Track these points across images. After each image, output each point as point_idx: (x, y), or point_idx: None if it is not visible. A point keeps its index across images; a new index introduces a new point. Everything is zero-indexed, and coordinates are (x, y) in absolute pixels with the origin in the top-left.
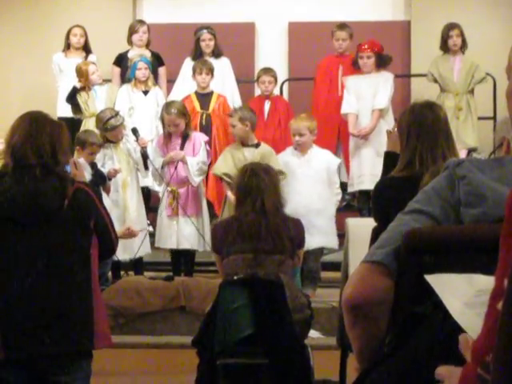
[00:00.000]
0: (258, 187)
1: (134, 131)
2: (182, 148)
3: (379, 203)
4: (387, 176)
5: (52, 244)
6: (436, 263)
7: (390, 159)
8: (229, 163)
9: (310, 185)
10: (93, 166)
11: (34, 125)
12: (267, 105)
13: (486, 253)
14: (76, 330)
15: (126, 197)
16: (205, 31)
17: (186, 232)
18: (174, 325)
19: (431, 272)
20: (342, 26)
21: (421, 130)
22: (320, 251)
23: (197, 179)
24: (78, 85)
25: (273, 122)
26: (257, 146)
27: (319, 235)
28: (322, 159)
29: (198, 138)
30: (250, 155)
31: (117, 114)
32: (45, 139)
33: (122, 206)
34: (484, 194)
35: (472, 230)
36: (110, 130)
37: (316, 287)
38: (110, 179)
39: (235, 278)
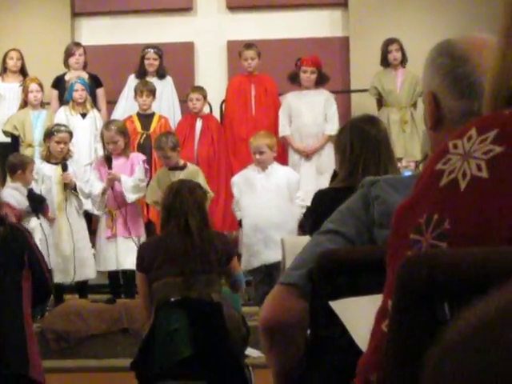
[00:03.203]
0: (182, 207)
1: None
2: (111, 168)
3: (316, 214)
4: (327, 187)
5: None
6: (349, 284)
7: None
8: (155, 190)
9: (270, 199)
10: (29, 191)
11: None
12: (199, 123)
13: None
14: (10, 354)
15: (62, 220)
16: (151, 50)
17: (125, 253)
18: (117, 347)
19: (344, 293)
20: (249, 45)
21: (363, 142)
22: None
23: (132, 196)
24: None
25: (206, 140)
26: (182, 168)
27: (276, 250)
28: (282, 174)
29: (136, 157)
30: (175, 178)
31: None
32: None
33: (57, 229)
34: None
35: (384, 250)
36: (56, 132)
37: None
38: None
39: (172, 299)
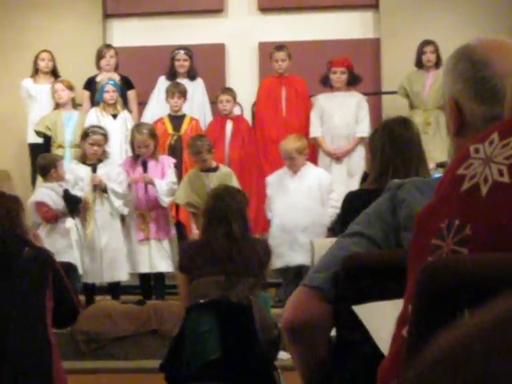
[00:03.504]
0: (225, 212)
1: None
2: (145, 171)
3: (347, 215)
4: (357, 189)
5: (7, 290)
6: (374, 288)
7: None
8: (188, 191)
9: (300, 200)
10: (64, 191)
11: None
12: (229, 125)
13: None
14: (35, 374)
15: (93, 221)
16: (181, 52)
17: (158, 255)
18: (147, 349)
19: (369, 297)
20: (280, 46)
21: (395, 143)
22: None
23: (167, 199)
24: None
25: (237, 142)
26: (215, 169)
27: (301, 253)
28: (314, 176)
29: (166, 160)
30: (208, 181)
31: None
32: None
33: (88, 230)
34: None
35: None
36: (91, 133)
37: None
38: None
39: (201, 301)
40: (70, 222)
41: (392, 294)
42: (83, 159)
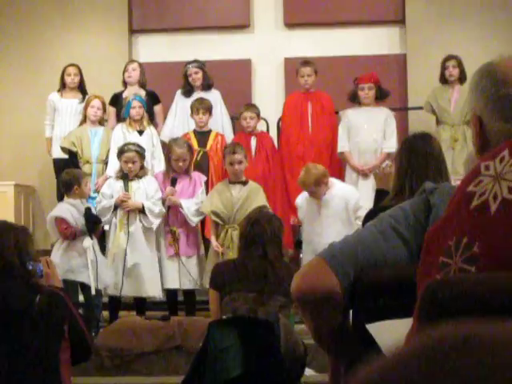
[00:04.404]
0: (261, 236)
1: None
2: (173, 185)
3: None
4: (378, 205)
5: (18, 348)
6: (389, 306)
7: (380, 196)
8: (215, 201)
9: (329, 225)
10: (86, 210)
11: None
12: (253, 141)
13: None
14: None
15: (122, 235)
16: (190, 66)
17: (188, 271)
18: (171, 365)
19: (384, 315)
20: (306, 62)
21: (411, 157)
22: None
23: (195, 219)
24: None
25: (260, 159)
26: (244, 183)
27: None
28: (340, 198)
29: (198, 178)
30: (237, 193)
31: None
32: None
33: (116, 243)
34: None
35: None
36: (126, 151)
37: None
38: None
39: (224, 317)
40: (88, 242)
41: (406, 312)
42: (122, 176)
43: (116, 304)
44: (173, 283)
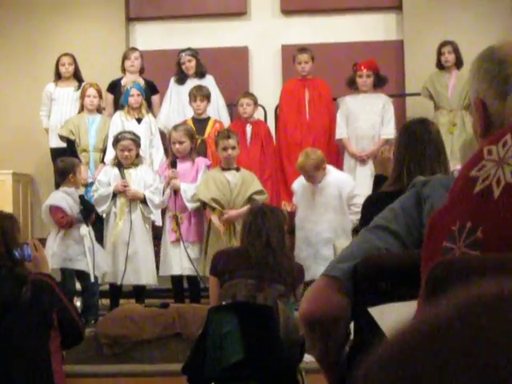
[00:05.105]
0: (264, 226)
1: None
2: (174, 167)
3: (365, 220)
4: (376, 191)
5: (7, 339)
6: (392, 290)
7: (378, 182)
8: (211, 188)
9: (322, 213)
10: (80, 197)
11: None
12: (249, 129)
13: None
14: None
15: (122, 223)
16: (183, 54)
17: (190, 258)
18: (170, 352)
19: (386, 299)
20: (303, 49)
21: (409, 142)
22: None
23: (191, 205)
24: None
25: (256, 146)
26: (237, 169)
27: (325, 266)
28: (334, 186)
29: (202, 162)
30: (232, 178)
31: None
32: None
33: (116, 231)
34: None
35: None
36: (121, 139)
37: None
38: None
39: (223, 303)
40: (85, 229)
41: (407, 296)
42: (117, 163)
43: (117, 292)
44: (176, 269)
